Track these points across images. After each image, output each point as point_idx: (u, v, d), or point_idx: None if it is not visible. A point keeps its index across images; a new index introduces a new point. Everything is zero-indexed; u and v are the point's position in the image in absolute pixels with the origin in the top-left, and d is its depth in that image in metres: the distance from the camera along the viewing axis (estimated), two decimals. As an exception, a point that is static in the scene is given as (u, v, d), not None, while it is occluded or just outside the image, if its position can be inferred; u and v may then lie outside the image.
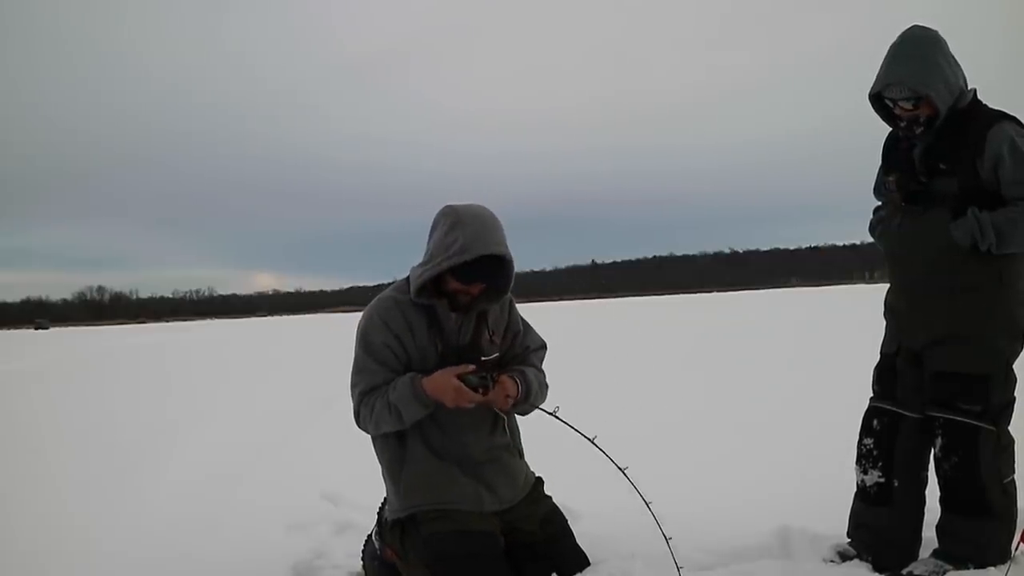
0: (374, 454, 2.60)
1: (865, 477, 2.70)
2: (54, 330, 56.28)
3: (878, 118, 2.63)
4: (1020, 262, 2.51)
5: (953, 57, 2.51)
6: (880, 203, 2.80)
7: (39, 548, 3.41)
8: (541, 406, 2.58)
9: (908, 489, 2.64)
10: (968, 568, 2.46)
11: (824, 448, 3.70)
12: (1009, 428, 2.54)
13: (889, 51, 2.52)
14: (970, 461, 2.48)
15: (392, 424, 2.44)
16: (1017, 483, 2.56)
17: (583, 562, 2.53)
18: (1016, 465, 2.56)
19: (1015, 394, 2.56)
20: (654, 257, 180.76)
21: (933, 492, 2.62)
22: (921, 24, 2.54)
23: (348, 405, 2.51)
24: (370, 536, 2.78)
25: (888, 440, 2.65)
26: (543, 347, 2.72)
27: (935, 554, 2.57)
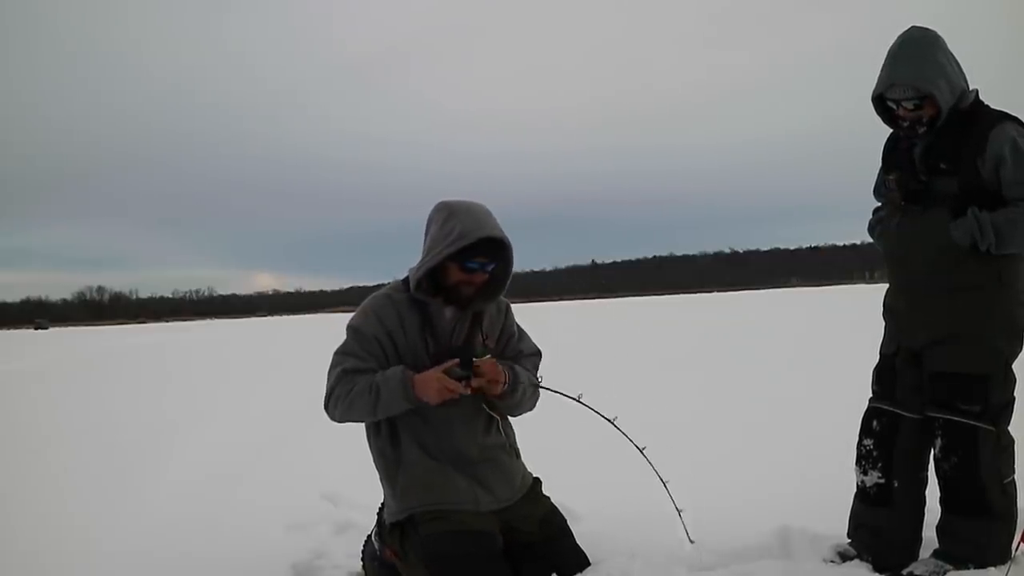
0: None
1: (865, 478, 2.69)
2: (54, 330, 56.27)
3: (878, 118, 2.62)
4: (1019, 262, 2.51)
5: (953, 57, 2.51)
6: (880, 204, 2.80)
7: (39, 548, 3.40)
8: (566, 393, 2.56)
9: (908, 489, 2.63)
10: (968, 568, 2.46)
11: (824, 448, 3.70)
12: (1009, 428, 2.54)
13: (889, 53, 2.51)
14: (970, 461, 2.48)
15: (365, 410, 2.43)
16: (1017, 483, 2.56)
17: (583, 562, 2.53)
18: (1016, 465, 2.55)
19: (1015, 394, 2.55)
20: (654, 257, 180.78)
21: (933, 492, 2.62)
22: (920, 25, 2.54)
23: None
24: (370, 536, 2.78)
25: (888, 441, 2.65)
26: (537, 354, 2.71)
27: (935, 554, 2.56)
